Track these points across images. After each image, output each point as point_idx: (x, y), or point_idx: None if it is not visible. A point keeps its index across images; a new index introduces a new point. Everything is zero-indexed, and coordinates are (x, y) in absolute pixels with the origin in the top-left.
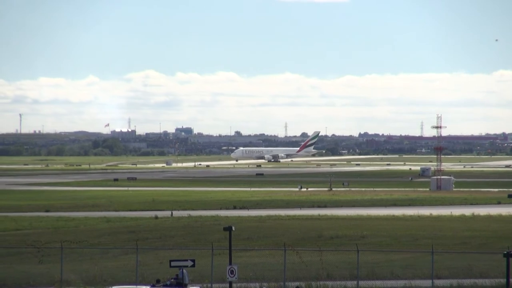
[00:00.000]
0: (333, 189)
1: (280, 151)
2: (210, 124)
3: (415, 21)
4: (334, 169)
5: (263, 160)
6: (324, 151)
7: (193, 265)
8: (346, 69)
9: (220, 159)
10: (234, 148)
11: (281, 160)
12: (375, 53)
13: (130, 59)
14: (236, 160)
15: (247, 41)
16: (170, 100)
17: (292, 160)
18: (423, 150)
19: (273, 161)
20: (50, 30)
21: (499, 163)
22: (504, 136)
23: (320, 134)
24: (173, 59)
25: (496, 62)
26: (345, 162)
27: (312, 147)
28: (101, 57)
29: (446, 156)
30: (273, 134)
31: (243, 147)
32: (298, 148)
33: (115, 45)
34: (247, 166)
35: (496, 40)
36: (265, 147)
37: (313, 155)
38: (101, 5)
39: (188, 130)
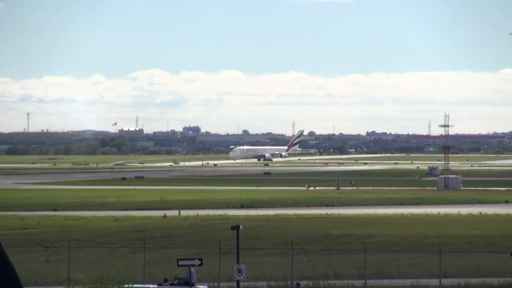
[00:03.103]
0: (341, 188)
1: (273, 149)
2: (216, 123)
3: (420, 19)
4: (342, 168)
5: (255, 160)
6: (331, 150)
7: (201, 264)
8: (351, 67)
9: (227, 158)
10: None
11: (275, 159)
12: (380, 51)
13: (135, 57)
14: (234, 159)
15: (252, 40)
16: (175, 99)
17: (299, 159)
18: (431, 149)
19: (265, 160)
20: (55, 28)
21: (507, 162)
22: (511, 135)
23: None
24: (178, 57)
25: (501, 61)
26: (353, 161)
27: (297, 145)
28: (106, 55)
29: (453, 155)
30: (280, 133)
31: (251, 145)
32: (287, 147)
33: (120, 44)
34: (255, 165)
35: (510, 33)
36: (272, 145)
37: (300, 154)
38: (106, 3)
39: (196, 129)
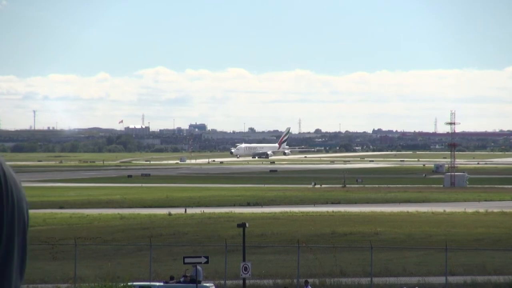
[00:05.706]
0: (347, 185)
1: (269, 147)
2: (222, 120)
3: (425, 17)
4: (348, 165)
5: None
6: (337, 148)
7: (207, 262)
8: (357, 65)
9: (233, 156)
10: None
11: (277, 157)
12: (385, 49)
13: (140, 55)
14: (237, 157)
15: (257, 38)
16: (181, 96)
17: (305, 157)
18: (437, 147)
19: (263, 157)
20: (60, 26)
21: None
22: None
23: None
24: (183, 55)
25: (507, 58)
26: (359, 159)
27: (285, 143)
28: (111, 53)
29: (460, 152)
30: None
31: (257, 143)
32: (279, 145)
33: (125, 42)
34: (261, 162)
35: None
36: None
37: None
38: (111, 2)
39: (202, 127)
